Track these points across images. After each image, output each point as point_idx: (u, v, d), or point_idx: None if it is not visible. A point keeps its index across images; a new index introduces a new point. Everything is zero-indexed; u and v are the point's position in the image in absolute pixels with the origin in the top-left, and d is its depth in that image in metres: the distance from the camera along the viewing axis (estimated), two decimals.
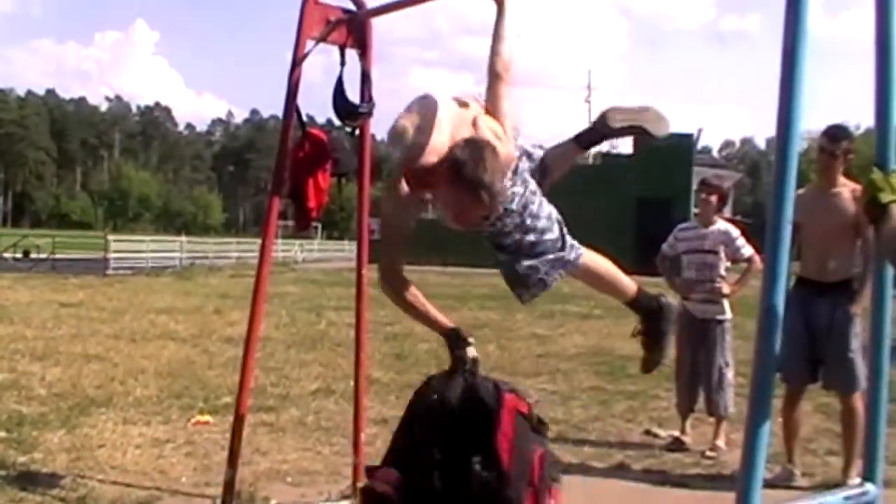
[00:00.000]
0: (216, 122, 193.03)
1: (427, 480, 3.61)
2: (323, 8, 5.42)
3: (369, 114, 5.65)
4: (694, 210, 8.63)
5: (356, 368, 6.10)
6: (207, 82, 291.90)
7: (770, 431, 2.39)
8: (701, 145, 61.22)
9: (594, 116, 4.90)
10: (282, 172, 5.43)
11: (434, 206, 4.14)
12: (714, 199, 7.82)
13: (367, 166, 5.83)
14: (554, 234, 4.38)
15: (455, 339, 4.08)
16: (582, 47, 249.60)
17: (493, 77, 4.28)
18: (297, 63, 5.35)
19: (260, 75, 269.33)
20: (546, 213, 4.37)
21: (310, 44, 5.38)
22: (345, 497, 5.84)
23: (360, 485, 3.69)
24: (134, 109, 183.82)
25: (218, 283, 27.75)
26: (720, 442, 7.51)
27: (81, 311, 16.96)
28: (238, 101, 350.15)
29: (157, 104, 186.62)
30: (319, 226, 68.44)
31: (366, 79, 5.60)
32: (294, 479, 6.32)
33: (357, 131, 5.74)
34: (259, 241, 5.69)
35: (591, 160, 50.68)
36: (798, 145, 2.37)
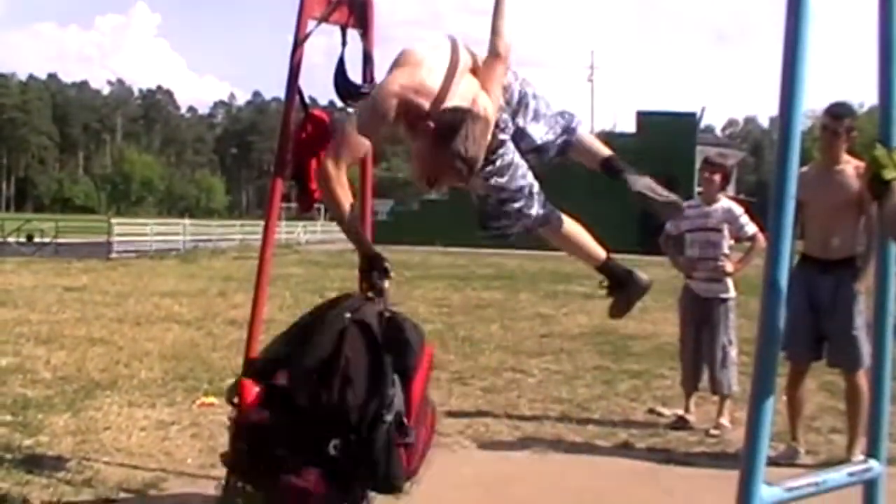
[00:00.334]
0: (218, 104, 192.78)
1: (343, 401, 3.64)
2: None
3: None
4: (697, 189, 8.61)
5: None
6: (209, 64, 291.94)
7: (774, 410, 2.39)
8: (704, 124, 61.00)
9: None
10: (284, 154, 5.41)
11: (409, 155, 4.21)
12: (717, 177, 7.81)
13: (369, 147, 5.81)
14: (517, 203, 4.53)
15: (380, 268, 4.07)
16: (584, 27, 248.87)
17: (493, 57, 4.29)
18: (298, 43, 5.33)
19: (262, 57, 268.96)
20: (515, 186, 4.50)
21: (311, 24, 5.35)
22: None
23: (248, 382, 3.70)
24: (136, 93, 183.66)
25: (221, 265, 27.75)
26: (724, 420, 7.52)
27: (85, 295, 16.96)
28: (240, 83, 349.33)
29: (159, 87, 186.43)
30: (322, 207, 68.36)
31: (368, 59, 5.58)
32: None
33: None
34: (262, 223, 5.68)
35: None
36: (801, 119, 2.37)
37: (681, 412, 7.81)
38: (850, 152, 6.65)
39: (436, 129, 3.90)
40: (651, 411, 8.22)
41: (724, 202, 7.87)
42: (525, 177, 4.53)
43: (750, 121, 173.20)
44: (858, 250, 6.56)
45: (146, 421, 7.27)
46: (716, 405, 7.74)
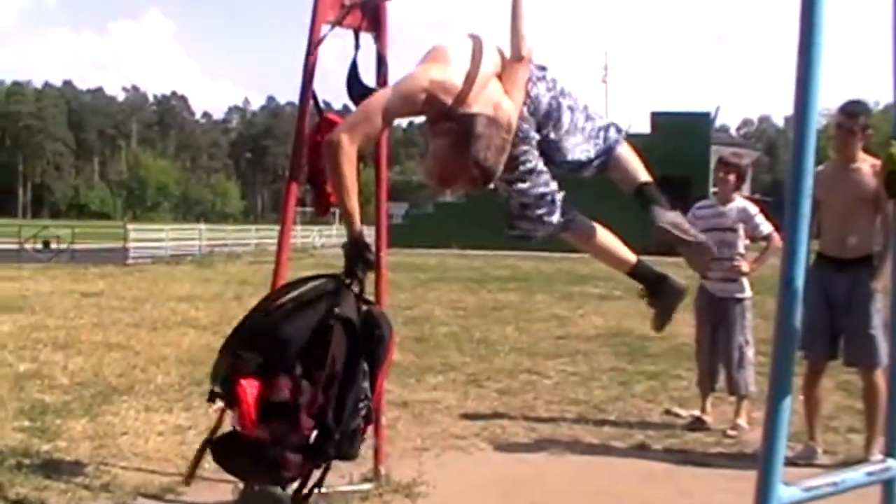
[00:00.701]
0: (233, 109, 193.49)
1: (327, 398, 3.71)
2: None
3: None
4: (712, 189, 8.59)
5: None
6: (223, 69, 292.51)
7: (791, 409, 2.38)
8: (719, 124, 60.88)
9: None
10: (299, 158, 5.42)
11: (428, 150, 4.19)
12: (732, 177, 7.79)
13: (384, 150, 5.83)
14: (539, 210, 4.52)
15: (363, 257, 4.05)
16: (598, 28, 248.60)
17: (516, 60, 4.27)
18: (312, 48, 5.34)
19: (276, 61, 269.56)
20: (537, 193, 4.49)
21: (325, 28, 5.36)
22: (366, 480, 5.86)
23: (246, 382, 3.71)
24: (151, 99, 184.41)
25: (237, 270, 27.80)
26: (741, 421, 7.50)
27: (102, 301, 17.01)
28: (254, 88, 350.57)
29: (174, 93, 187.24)
30: (337, 211, 68.40)
31: (381, 62, 5.59)
32: None
33: None
34: (278, 227, 5.69)
35: None
36: (817, 112, 2.36)
37: (697, 413, 7.80)
38: (866, 150, 6.63)
39: (458, 132, 3.91)
40: (668, 412, 8.20)
41: (740, 202, 7.85)
42: (547, 184, 4.51)
43: (764, 120, 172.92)
44: (875, 249, 6.54)
45: (163, 425, 7.28)
46: (733, 406, 7.72)
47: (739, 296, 7.71)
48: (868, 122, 6.65)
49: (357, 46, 5.45)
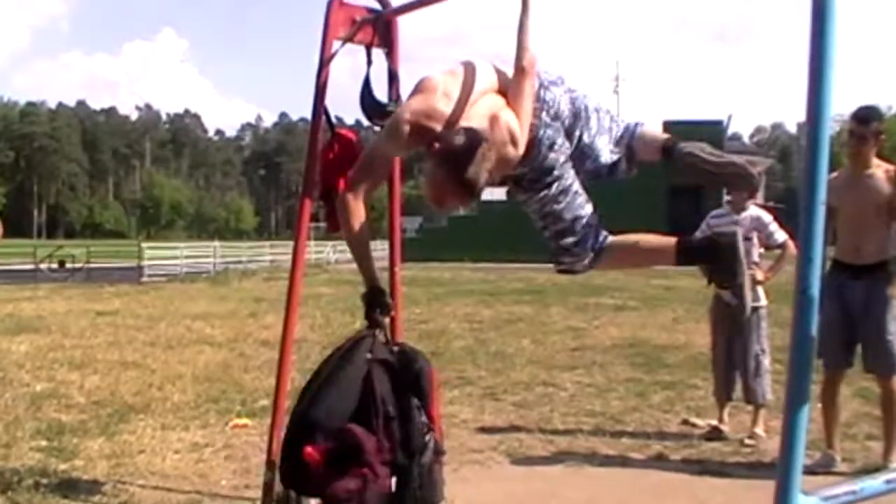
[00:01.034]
0: (245, 126, 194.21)
1: (390, 438, 3.76)
2: (348, 8, 5.42)
3: None
4: (726, 197, 8.56)
5: None
6: (236, 87, 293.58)
7: (809, 418, 2.37)
8: (731, 131, 60.78)
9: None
10: (312, 174, 5.44)
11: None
12: None
13: (396, 166, 5.83)
14: (573, 237, 4.38)
15: (381, 303, 4.14)
16: (609, 38, 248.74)
17: (519, 72, 4.26)
18: (324, 63, 5.36)
19: (288, 78, 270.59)
20: (571, 216, 4.37)
21: (336, 44, 5.38)
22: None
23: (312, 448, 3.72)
24: (164, 117, 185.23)
25: (252, 286, 27.85)
26: (759, 430, 7.47)
27: (118, 319, 17.05)
28: (267, 105, 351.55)
29: (187, 111, 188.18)
30: None
31: (393, 78, 5.59)
32: None
33: None
34: (292, 243, 5.70)
35: None
36: (830, 118, 2.35)
37: (715, 422, 7.77)
38: (880, 156, 6.61)
39: (437, 151, 3.93)
40: (685, 422, 8.18)
41: (753, 210, 7.83)
42: (583, 206, 4.38)
43: (777, 127, 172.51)
44: (891, 254, 6.51)
45: (180, 443, 7.29)
46: (750, 415, 7.69)
47: (755, 304, 7.67)
48: (881, 128, 6.64)
49: (369, 62, 5.47)
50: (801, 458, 2.30)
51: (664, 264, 4.57)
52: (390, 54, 5.62)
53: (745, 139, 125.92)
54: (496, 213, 47.79)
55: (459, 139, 3.87)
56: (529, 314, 18.10)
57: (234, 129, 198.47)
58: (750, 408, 7.71)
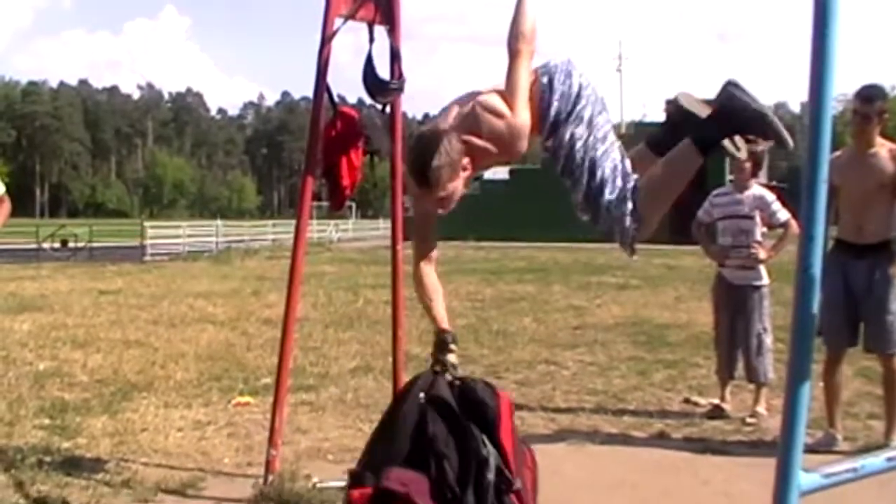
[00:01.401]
0: (248, 105, 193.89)
1: (442, 476, 3.63)
2: None
3: (400, 90, 5.64)
4: (729, 176, 8.54)
5: (394, 345, 6.13)
6: (238, 66, 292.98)
7: (811, 396, 2.37)
8: None
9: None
10: (314, 152, 5.43)
11: None
12: (748, 164, 7.74)
13: (398, 143, 5.82)
14: (612, 193, 4.07)
15: (441, 343, 4.07)
16: (611, 17, 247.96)
17: (514, 54, 4.19)
18: (325, 41, 5.35)
19: (290, 57, 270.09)
20: (611, 165, 4.09)
21: (338, 21, 5.37)
22: None
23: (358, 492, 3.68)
24: (166, 96, 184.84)
25: (255, 265, 27.88)
26: (760, 408, 7.48)
27: (120, 298, 17.08)
28: (269, 84, 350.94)
29: (189, 90, 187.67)
30: (354, 205, 68.64)
31: (395, 55, 5.59)
32: (335, 457, 6.35)
33: (388, 108, 5.74)
34: (294, 222, 5.70)
35: (623, 129, 50.45)
36: (832, 102, 2.34)
37: (717, 401, 7.78)
38: (883, 135, 6.59)
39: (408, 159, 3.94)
40: (687, 401, 8.19)
41: (756, 189, 7.82)
42: (617, 149, 4.13)
43: (781, 106, 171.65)
44: (893, 234, 6.50)
45: (182, 421, 7.31)
46: (752, 393, 7.70)
47: (757, 283, 7.68)
48: (885, 107, 6.61)
49: (371, 39, 5.46)
50: (803, 436, 2.30)
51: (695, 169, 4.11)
52: (392, 32, 5.61)
53: None
54: (498, 192, 47.75)
55: (419, 135, 3.88)
56: (532, 293, 18.13)
57: (236, 107, 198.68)
58: (752, 386, 7.72)
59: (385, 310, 10.19)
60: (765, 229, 7.79)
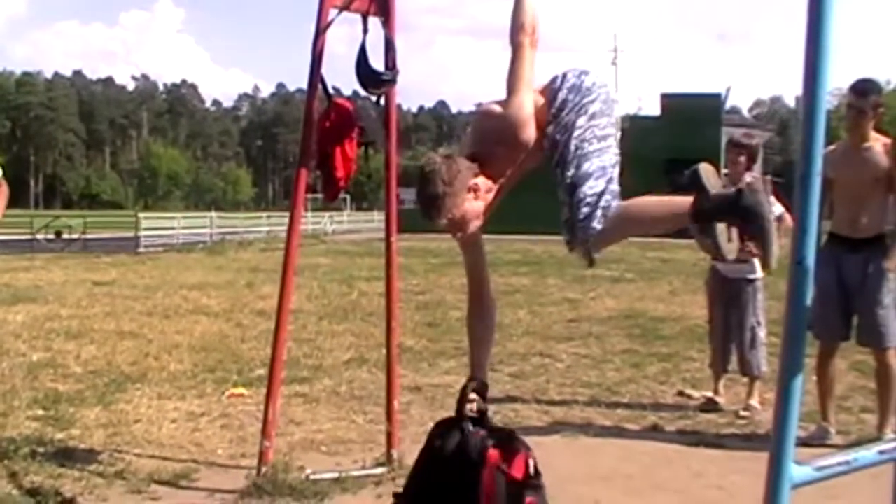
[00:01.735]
0: (243, 96, 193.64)
1: None
2: None
3: (393, 81, 5.64)
4: (724, 170, 8.53)
5: (388, 337, 6.13)
6: (233, 58, 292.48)
7: (804, 390, 2.38)
8: (730, 105, 60.66)
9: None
10: (308, 143, 5.43)
11: None
12: (743, 158, 7.74)
13: (393, 134, 5.82)
14: (591, 189, 3.97)
15: (462, 391, 4.12)
16: (607, 10, 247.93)
17: (515, 46, 4.17)
18: (320, 32, 5.34)
19: (285, 48, 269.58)
20: (600, 164, 3.99)
21: (333, 12, 5.37)
22: (379, 464, 5.87)
23: None
24: (161, 88, 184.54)
25: (249, 257, 27.86)
26: (754, 401, 7.49)
27: (114, 290, 17.06)
28: (264, 76, 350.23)
29: (184, 81, 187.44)
30: (348, 197, 68.60)
31: (389, 46, 5.58)
32: (329, 449, 6.36)
33: (382, 99, 5.74)
34: (289, 214, 5.70)
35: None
36: (826, 96, 2.34)
37: (710, 394, 7.79)
38: (878, 129, 6.59)
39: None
40: (680, 394, 8.20)
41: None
42: (614, 156, 4.06)
43: (776, 100, 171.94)
44: (887, 228, 6.51)
45: (176, 413, 7.31)
46: (745, 387, 7.71)
47: (751, 276, 7.68)
48: (879, 101, 6.62)
49: (365, 30, 5.45)
50: (795, 429, 2.30)
51: (679, 227, 4.04)
52: (387, 23, 5.60)
53: (744, 112, 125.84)
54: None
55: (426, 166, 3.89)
56: (526, 285, 18.12)
57: (231, 99, 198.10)
58: (745, 380, 7.73)
59: (379, 302, 10.19)
60: None
